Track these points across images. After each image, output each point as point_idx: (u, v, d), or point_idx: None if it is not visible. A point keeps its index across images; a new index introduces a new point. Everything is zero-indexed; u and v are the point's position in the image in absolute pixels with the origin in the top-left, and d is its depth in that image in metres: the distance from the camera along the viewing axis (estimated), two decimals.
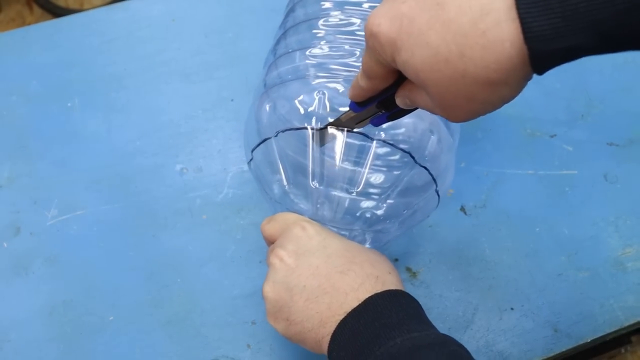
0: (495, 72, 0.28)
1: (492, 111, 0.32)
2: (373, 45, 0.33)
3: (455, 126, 0.52)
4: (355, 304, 0.40)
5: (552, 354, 0.54)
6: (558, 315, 0.56)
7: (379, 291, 0.40)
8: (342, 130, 0.46)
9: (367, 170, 0.48)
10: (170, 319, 0.55)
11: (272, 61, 0.52)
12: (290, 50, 0.51)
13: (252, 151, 0.50)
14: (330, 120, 0.46)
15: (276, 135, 0.48)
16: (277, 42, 0.54)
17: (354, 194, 0.48)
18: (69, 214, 0.61)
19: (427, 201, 0.49)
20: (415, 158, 0.47)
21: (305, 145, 0.48)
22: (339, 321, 0.40)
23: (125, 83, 0.69)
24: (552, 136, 0.66)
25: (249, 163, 0.52)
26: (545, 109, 0.67)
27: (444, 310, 0.56)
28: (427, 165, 0.47)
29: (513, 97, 0.31)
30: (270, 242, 0.49)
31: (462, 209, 0.61)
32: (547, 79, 0.68)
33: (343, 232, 0.49)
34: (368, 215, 0.48)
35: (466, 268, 0.58)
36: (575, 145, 0.65)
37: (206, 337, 0.54)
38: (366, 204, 0.48)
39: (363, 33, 0.48)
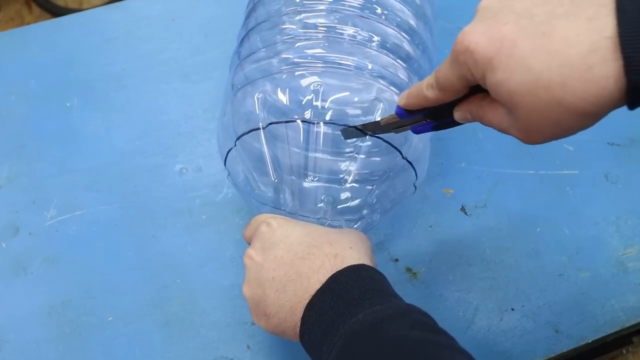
0: (592, 105, 0.30)
1: (566, 137, 0.34)
2: (464, 60, 0.34)
3: None
4: (317, 286, 0.41)
5: (553, 355, 0.54)
6: (559, 315, 0.55)
7: (339, 269, 0.41)
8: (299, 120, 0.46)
9: (317, 155, 0.48)
10: (169, 320, 0.55)
11: (237, 63, 0.52)
12: (255, 51, 0.51)
13: (225, 164, 0.51)
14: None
15: (236, 141, 0.48)
16: (241, 44, 0.54)
17: (314, 179, 0.48)
18: (68, 214, 0.60)
19: (397, 171, 0.49)
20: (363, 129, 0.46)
21: (276, 139, 0.48)
22: (305, 305, 0.40)
23: (124, 83, 0.69)
24: None
25: (228, 177, 0.52)
26: None
27: (444, 310, 0.55)
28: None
29: (591, 126, 0.33)
30: None
31: (463, 209, 0.61)
32: None
33: (332, 224, 0.49)
34: (342, 200, 0.49)
35: (466, 268, 0.58)
36: (576, 144, 0.65)
37: (205, 338, 0.54)
38: (334, 188, 0.49)
39: (326, 24, 0.49)
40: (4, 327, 0.55)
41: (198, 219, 0.60)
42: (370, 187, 0.49)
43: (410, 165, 0.48)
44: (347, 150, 0.48)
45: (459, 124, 0.40)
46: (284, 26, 0.50)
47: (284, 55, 0.49)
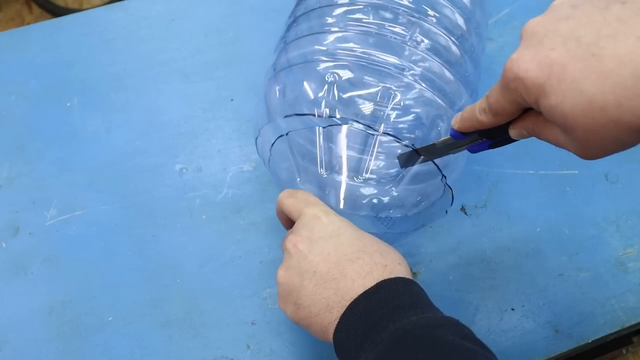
0: None
1: (628, 149, 0.33)
2: (515, 87, 0.34)
3: None
4: (361, 290, 0.41)
5: (553, 355, 0.54)
6: (559, 315, 0.55)
7: (386, 278, 0.41)
8: (347, 123, 0.46)
9: (372, 158, 0.48)
10: (169, 320, 0.55)
11: (282, 47, 0.53)
12: (300, 37, 0.51)
13: (260, 129, 0.51)
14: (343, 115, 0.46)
15: (285, 117, 0.48)
16: (288, 29, 0.54)
17: (359, 181, 0.49)
18: (68, 214, 0.60)
19: (437, 191, 0.50)
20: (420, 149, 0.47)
21: (313, 133, 0.48)
22: (345, 306, 0.41)
23: (124, 83, 0.69)
24: None
25: (256, 140, 0.52)
26: None
27: (444, 310, 0.55)
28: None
29: None
30: (284, 217, 0.50)
31: (463, 209, 0.61)
32: None
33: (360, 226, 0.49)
34: (375, 201, 0.49)
35: (466, 268, 0.58)
36: None
37: (206, 338, 0.54)
38: (372, 190, 0.49)
39: (372, 20, 0.50)
40: (4, 327, 0.55)
41: (198, 219, 0.60)
42: (400, 188, 0.49)
43: (450, 191, 0.49)
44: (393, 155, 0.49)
45: (515, 140, 0.40)
46: (330, 18, 0.51)
47: (329, 47, 0.49)
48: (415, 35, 0.50)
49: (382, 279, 0.41)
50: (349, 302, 0.41)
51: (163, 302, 0.56)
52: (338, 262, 0.43)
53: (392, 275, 0.42)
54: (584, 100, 0.31)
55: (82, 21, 0.74)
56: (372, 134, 0.49)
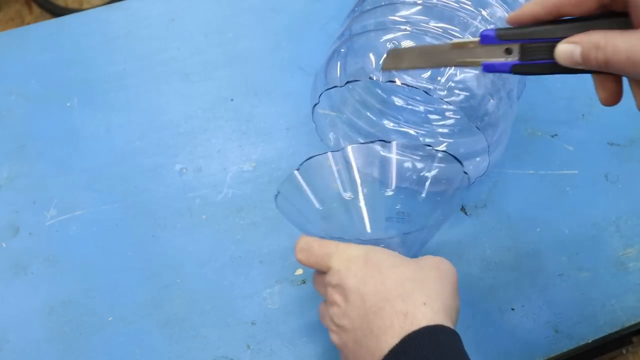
0: None
1: None
2: None
3: (514, 95, 0.55)
4: (386, 349, 0.39)
5: (553, 355, 0.54)
6: (559, 315, 0.55)
7: (409, 332, 0.39)
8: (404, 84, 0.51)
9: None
10: (169, 320, 0.55)
11: (351, 17, 0.55)
12: (369, 8, 0.53)
13: (320, 96, 0.54)
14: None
15: (342, 86, 0.52)
16: (358, 4, 0.57)
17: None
18: (68, 214, 0.60)
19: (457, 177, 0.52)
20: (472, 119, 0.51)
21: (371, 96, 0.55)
22: None
23: (124, 83, 0.69)
24: (553, 136, 0.65)
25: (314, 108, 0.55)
26: (546, 109, 0.67)
27: None
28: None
29: None
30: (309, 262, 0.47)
31: (463, 209, 0.61)
32: (548, 79, 0.68)
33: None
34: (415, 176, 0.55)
35: (467, 268, 0.58)
36: (576, 144, 0.65)
37: (206, 338, 0.54)
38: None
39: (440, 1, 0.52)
40: (4, 327, 0.55)
41: (198, 219, 0.60)
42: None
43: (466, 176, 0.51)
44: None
45: (548, 71, 0.33)
46: None
47: (403, 17, 0.51)
48: (484, 14, 0.51)
49: (404, 332, 0.38)
50: None
51: (163, 302, 0.56)
52: (366, 316, 0.41)
53: (413, 326, 0.39)
54: None
55: (82, 21, 0.74)
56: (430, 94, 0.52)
